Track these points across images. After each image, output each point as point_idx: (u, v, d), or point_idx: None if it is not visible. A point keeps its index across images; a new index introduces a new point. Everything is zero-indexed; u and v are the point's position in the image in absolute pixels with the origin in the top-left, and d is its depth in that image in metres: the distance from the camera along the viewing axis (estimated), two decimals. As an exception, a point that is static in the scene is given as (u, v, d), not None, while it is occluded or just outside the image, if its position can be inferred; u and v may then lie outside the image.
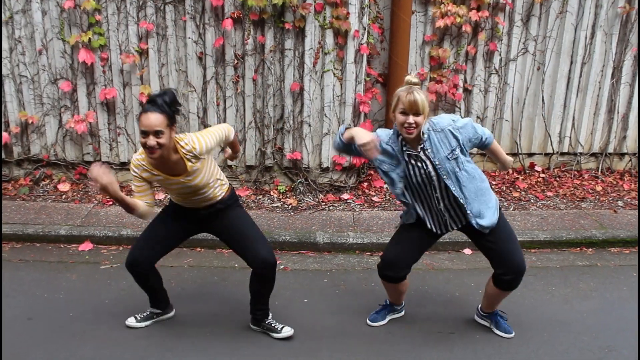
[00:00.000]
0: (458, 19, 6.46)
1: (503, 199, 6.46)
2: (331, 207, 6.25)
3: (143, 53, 6.39)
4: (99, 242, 5.61)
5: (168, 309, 4.27)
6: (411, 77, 3.45)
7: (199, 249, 5.50)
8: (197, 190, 3.72)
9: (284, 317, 4.26)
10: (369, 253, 5.42)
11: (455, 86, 6.77)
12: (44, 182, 6.78)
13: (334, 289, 4.76)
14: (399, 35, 6.38)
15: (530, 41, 6.80)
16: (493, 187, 6.74)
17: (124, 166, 6.76)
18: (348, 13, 6.08)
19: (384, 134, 3.65)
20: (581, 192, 6.72)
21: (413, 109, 3.34)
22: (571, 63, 6.89)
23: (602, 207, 6.33)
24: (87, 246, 5.54)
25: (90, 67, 6.41)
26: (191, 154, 3.54)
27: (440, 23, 6.48)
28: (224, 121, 6.53)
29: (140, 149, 3.57)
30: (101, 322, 4.20)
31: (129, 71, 6.43)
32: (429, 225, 3.79)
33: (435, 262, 5.22)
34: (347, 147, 3.62)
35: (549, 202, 6.46)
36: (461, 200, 3.59)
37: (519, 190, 6.72)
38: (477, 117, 6.94)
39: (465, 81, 6.86)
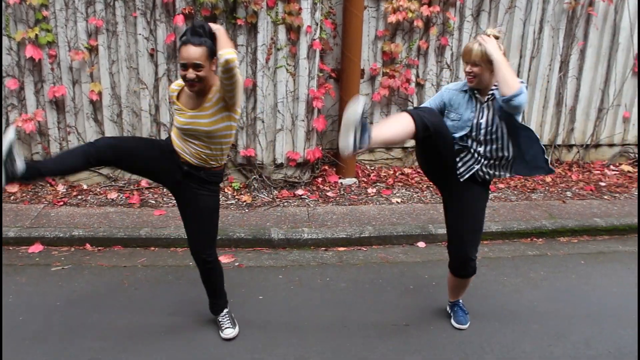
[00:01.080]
0: (410, 14, 6.52)
1: (456, 192, 6.55)
2: (286, 203, 6.25)
3: (93, 50, 6.28)
4: (49, 243, 5.50)
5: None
6: (490, 30, 3.47)
7: (152, 248, 5.45)
8: (199, 137, 3.53)
9: (240, 313, 4.26)
10: (323, 248, 5.44)
11: (408, 81, 6.84)
12: (-9, 183, 6.62)
13: (289, 284, 4.77)
14: (352, 31, 6.41)
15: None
16: (446, 180, 6.83)
17: (75, 165, 6.65)
18: (300, 9, 6.08)
19: (457, 84, 3.71)
20: (531, 184, 6.86)
21: (469, 58, 3.42)
22: (520, 57, 7.02)
23: (552, 198, 6.48)
24: (37, 248, 5.42)
25: (38, 64, 6.27)
26: (219, 94, 3.43)
27: (392, 18, 6.53)
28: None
29: (179, 81, 3.60)
30: (53, 326, 4.13)
31: (79, 68, 6.32)
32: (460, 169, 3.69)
33: (389, 256, 5.27)
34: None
35: (500, 193, 6.57)
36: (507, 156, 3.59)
37: (471, 183, 6.82)
38: (430, 112, 7.02)
39: (417, 76, 6.93)
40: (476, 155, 3.61)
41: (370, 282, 4.74)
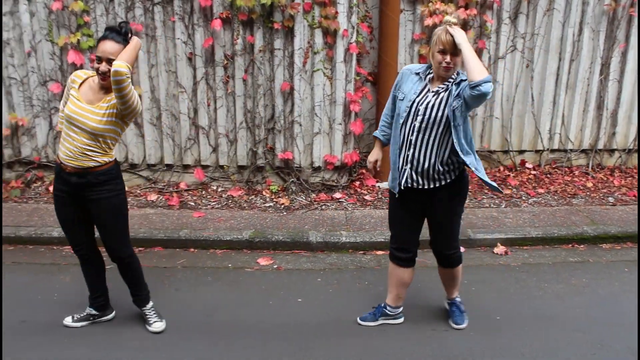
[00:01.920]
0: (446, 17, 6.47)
1: (494, 196, 6.48)
2: (323, 207, 6.26)
3: (132, 54, 6.36)
4: (91, 244, 5.58)
5: (108, 311, 4.28)
6: (449, 17, 3.47)
7: (191, 249, 5.50)
8: (89, 132, 3.59)
9: (279, 316, 4.28)
10: (361, 252, 5.42)
11: (445, 84, 6.79)
12: (35, 184, 6.74)
13: (327, 287, 4.76)
14: (388, 34, 6.39)
15: (518, 39, 6.83)
16: (484, 185, 6.75)
17: (114, 168, 6.74)
18: (337, 12, 6.08)
19: (413, 66, 3.78)
20: (572, 189, 6.75)
21: (451, 48, 3.40)
22: (559, 60, 6.92)
23: (593, 203, 6.37)
24: (79, 248, 5.52)
25: (79, 68, 6.38)
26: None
27: (428, 21, 6.49)
28: (215, 122, 6.53)
29: (88, 71, 3.79)
30: (95, 324, 4.19)
31: (119, 72, 6.40)
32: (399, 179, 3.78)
33: (427, 260, 5.22)
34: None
35: (540, 199, 6.49)
36: (457, 147, 3.56)
37: (510, 187, 6.74)
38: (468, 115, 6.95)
39: (454, 79, 6.88)
40: (408, 154, 3.68)
41: (409, 287, 4.70)
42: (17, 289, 4.70)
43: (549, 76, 6.94)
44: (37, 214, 6.02)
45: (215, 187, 6.71)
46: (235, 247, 5.50)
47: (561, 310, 4.36)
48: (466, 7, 6.55)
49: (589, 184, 6.86)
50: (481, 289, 4.68)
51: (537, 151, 7.26)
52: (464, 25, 6.63)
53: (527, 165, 7.21)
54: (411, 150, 3.65)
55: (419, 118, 3.56)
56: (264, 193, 6.55)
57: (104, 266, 4.21)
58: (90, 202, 3.79)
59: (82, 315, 4.17)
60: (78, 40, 6.23)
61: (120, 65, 3.34)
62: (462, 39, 3.36)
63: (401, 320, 4.19)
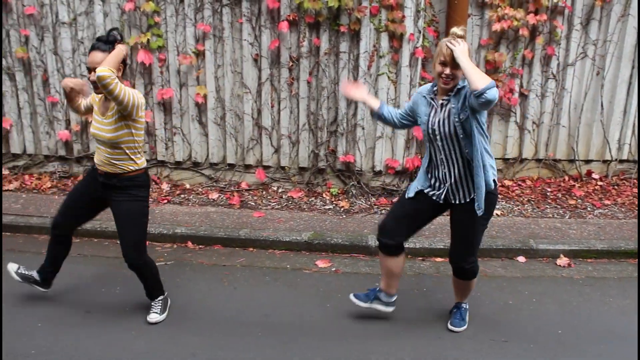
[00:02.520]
0: (515, 23, 6.38)
1: (558, 207, 6.35)
2: (383, 211, 6.24)
3: (200, 54, 6.50)
4: (153, 239, 5.71)
5: (46, 284, 4.41)
6: (457, 30, 3.46)
7: (251, 248, 5.57)
8: (108, 143, 3.85)
9: (337, 319, 4.30)
10: (420, 258, 5.39)
11: (511, 91, 6.69)
12: (101, 180, 6.94)
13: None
14: (455, 39, 6.32)
15: (589, 45, 6.66)
16: (548, 194, 6.63)
17: (179, 165, 6.90)
18: (404, 16, 6.07)
19: (424, 87, 3.83)
20: (640, 201, 6.56)
21: (452, 60, 3.39)
22: (632, 68, 6.72)
23: (663, 217, 6.17)
24: (142, 243, 5.66)
25: (148, 67, 6.56)
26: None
27: (496, 27, 6.41)
28: (278, 123, 6.59)
29: None
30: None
31: (186, 72, 6.55)
32: (431, 192, 3.86)
33: (488, 269, 5.16)
34: (383, 120, 4.10)
35: (606, 210, 6.32)
36: (472, 161, 3.59)
37: (575, 197, 6.59)
38: (533, 122, 6.83)
39: (521, 86, 6.77)
40: (441, 168, 3.75)
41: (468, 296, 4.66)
42: (82, 280, 4.86)
43: (620, 84, 6.74)
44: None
45: (275, 188, 6.77)
46: (294, 248, 5.55)
47: (627, 327, 4.23)
48: (536, 12, 6.43)
49: (659, 197, 6.65)
50: (543, 301, 4.59)
51: (604, 161, 7.06)
52: (533, 31, 6.52)
53: (593, 175, 7.02)
54: (444, 168, 3.73)
55: (438, 137, 3.65)
56: (324, 195, 6.58)
57: (69, 252, 4.42)
58: (112, 203, 4.05)
59: (27, 273, 4.32)
60: (148, 40, 6.40)
61: (101, 70, 3.50)
62: (461, 52, 3.34)
63: (391, 309, 4.22)
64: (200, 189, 6.77)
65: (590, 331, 4.16)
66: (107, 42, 3.70)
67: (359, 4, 6.08)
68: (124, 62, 3.82)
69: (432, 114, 3.67)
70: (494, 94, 3.23)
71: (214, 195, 6.58)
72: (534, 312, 4.43)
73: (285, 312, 4.41)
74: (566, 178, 7.02)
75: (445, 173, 3.73)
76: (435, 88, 3.69)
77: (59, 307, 4.42)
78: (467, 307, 4.27)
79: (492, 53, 6.56)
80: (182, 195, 6.63)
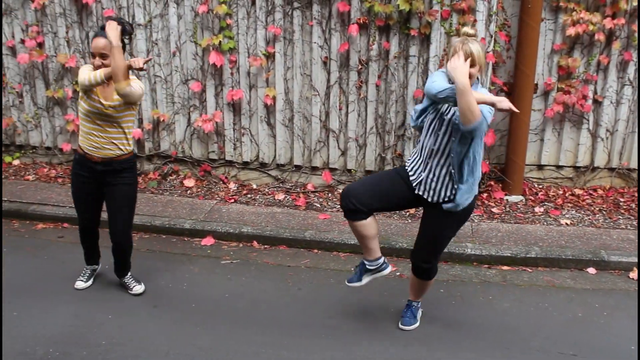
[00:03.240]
0: (591, 27, 6.21)
1: (631, 217, 6.15)
2: (449, 216, 6.19)
3: (270, 56, 6.58)
4: (220, 237, 5.83)
5: (99, 262, 4.88)
6: (467, 29, 3.48)
7: (316, 250, 5.61)
8: (109, 123, 4.14)
9: (398, 323, 4.29)
10: (486, 265, 5.32)
11: (585, 97, 6.52)
12: (171, 177, 7.11)
13: (450, 299, 4.72)
14: (527, 44, 6.21)
15: (669, 51, 6.44)
16: (621, 204, 6.44)
17: (246, 165, 7.00)
18: (475, 20, 6.00)
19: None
20: None
21: (469, 60, 3.36)
22: None
23: None
24: (209, 241, 5.77)
25: (219, 69, 6.68)
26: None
27: (571, 31, 6.25)
28: (346, 126, 6.62)
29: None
30: (220, 315, 4.40)
31: (256, 74, 6.64)
32: (412, 176, 3.83)
33: (556, 280, 5.06)
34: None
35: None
36: (453, 172, 3.65)
37: (649, 208, 6.39)
38: (607, 130, 6.64)
39: (595, 92, 6.58)
40: (429, 159, 3.72)
41: (535, 305, 4.57)
42: (150, 275, 5.00)
43: (701, 92, 6.50)
44: (171, 206, 6.35)
45: (341, 190, 6.79)
46: (359, 252, 5.51)
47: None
48: (613, 16, 6.25)
49: None
50: (614, 315, 4.47)
51: (682, 171, 6.82)
52: (610, 36, 6.34)
53: (670, 186, 6.80)
54: (432, 159, 3.71)
55: (441, 131, 3.65)
56: (389, 199, 6.56)
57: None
58: (108, 188, 4.34)
59: (87, 275, 4.78)
60: (220, 41, 6.51)
61: (119, 88, 3.83)
62: (460, 75, 3.29)
63: (388, 270, 4.10)
64: (266, 190, 6.86)
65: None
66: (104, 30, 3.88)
67: (430, 7, 6.05)
68: (122, 38, 3.93)
69: (445, 108, 3.65)
70: (481, 128, 3.44)
71: (280, 196, 6.65)
72: (605, 326, 4.32)
73: (349, 315, 4.43)
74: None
75: (432, 165, 3.70)
76: None
77: (129, 301, 4.57)
78: (419, 305, 4.31)
79: (565, 58, 6.41)
80: (249, 195, 6.73)
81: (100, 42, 3.93)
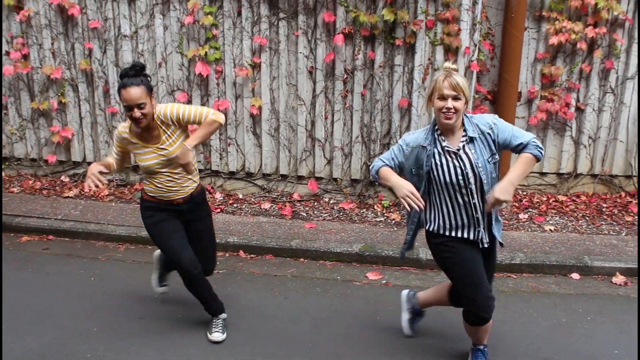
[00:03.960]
0: (573, 36, 6.31)
1: (614, 223, 6.22)
2: (434, 224, 6.22)
3: (256, 67, 6.62)
4: (207, 247, 5.83)
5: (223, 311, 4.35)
6: (449, 64, 3.31)
7: (302, 259, 5.63)
8: (173, 170, 3.88)
9: (386, 330, 4.31)
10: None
11: (567, 105, 6.60)
12: (157, 188, 7.10)
13: (436, 307, 4.73)
14: (510, 52, 6.29)
15: (650, 59, 6.54)
16: (604, 209, 6.51)
17: (232, 175, 7.02)
18: (459, 29, 6.06)
19: (412, 136, 3.50)
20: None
21: (452, 92, 3.20)
22: (695, 83, 6.57)
23: None
24: (196, 251, 5.77)
25: (205, 79, 6.71)
26: (160, 119, 3.73)
27: (554, 40, 6.35)
28: (332, 135, 6.65)
29: (127, 121, 3.87)
30: (207, 327, 4.37)
31: (242, 84, 6.67)
32: (460, 234, 3.49)
33: (541, 285, 5.10)
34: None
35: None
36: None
37: (631, 214, 6.45)
38: (589, 137, 6.73)
39: (578, 100, 6.67)
40: (477, 217, 3.44)
41: (520, 312, 4.61)
42: (138, 286, 4.98)
43: (681, 99, 6.59)
44: (159, 216, 6.34)
45: (327, 199, 6.83)
46: (345, 260, 5.59)
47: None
48: (595, 25, 6.35)
49: None
50: (598, 320, 4.51)
51: (664, 178, 6.91)
52: (592, 45, 6.43)
53: (652, 192, 6.88)
54: (476, 212, 3.42)
55: (472, 180, 3.34)
56: (375, 207, 6.61)
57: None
58: (192, 223, 4.14)
59: (220, 326, 4.25)
60: (206, 52, 6.54)
61: (210, 113, 3.79)
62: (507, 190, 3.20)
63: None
64: (252, 199, 6.87)
65: (647, 352, 4.09)
66: (136, 75, 3.61)
67: (414, 17, 6.11)
68: (151, 89, 3.72)
69: (448, 159, 3.35)
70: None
71: (266, 206, 6.67)
72: (589, 331, 4.36)
73: (335, 324, 4.44)
74: (623, 194, 6.88)
75: (478, 218, 3.41)
76: (436, 131, 3.41)
77: (115, 313, 4.55)
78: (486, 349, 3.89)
79: (548, 67, 6.50)
80: (235, 205, 6.75)
81: (133, 92, 3.57)
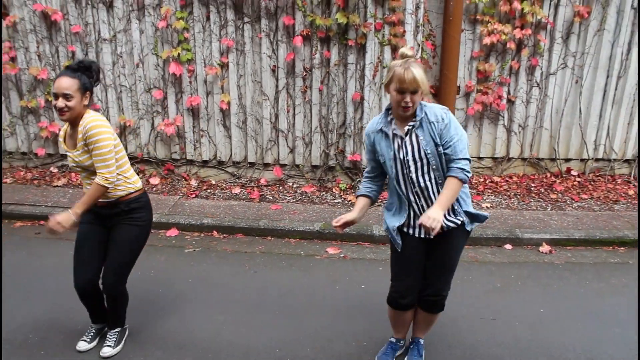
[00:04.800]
0: (503, 37, 6.36)
1: (541, 200, 6.33)
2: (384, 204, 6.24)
3: (224, 66, 6.53)
4: (183, 229, 5.76)
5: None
6: (405, 50, 2.88)
7: (269, 237, 5.60)
8: (87, 170, 3.36)
9: (344, 299, 4.32)
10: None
11: (500, 97, 6.67)
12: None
13: (387, 277, 4.75)
14: (449, 51, 6.32)
15: (569, 57, 6.63)
16: (532, 189, 6.62)
17: (205, 164, 6.94)
18: (404, 31, 6.06)
19: (369, 126, 3.15)
20: (614, 196, 6.52)
21: (411, 86, 2.79)
22: (607, 77, 6.68)
23: (635, 210, 6.13)
24: (173, 232, 5.70)
25: (179, 78, 6.59)
26: (83, 127, 3.24)
27: (487, 40, 6.39)
28: (294, 126, 6.61)
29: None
30: (185, 298, 4.34)
31: (212, 82, 6.58)
32: (411, 230, 3.18)
33: (478, 256, 5.17)
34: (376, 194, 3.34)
35: (584, 204, 6.30)
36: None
37: (556, 192, 6.57)
38: (519, 125, 6.82)
39: (509, 93, 6.74)
40: (418, 202, 3.08)
41: (461, 279, 4.65)
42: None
43: (597, 92, 6.71)
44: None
45: (291, 184, 6.80)
46: (307, 237, 5.57)
47: (601, 307, 4.23)
48: (522, 27, 6.41)
49: (631, 192, 6.61)
50: (526, 284, 4.59)
51: (582, 160, 7.04)
52: (519, 44, 6.50)
53: (572, 172, 7.00)
54: (420, 200, 3.07)
55: (412, 167, 2.99)
56: (334, 190, 6.60)
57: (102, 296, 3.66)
58: (113, 229, 3.49)
59: (92, 334, 3.71)
60: (178, 54, 6.43)
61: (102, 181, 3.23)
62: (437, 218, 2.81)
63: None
64: (224, 185, 6.81)
65: (569, 310, 4.16)
66: (75, 70, 3.26)
67: (365, 20, 6.08)
68: (91, 90, 3.33)
69: (397, 147, 3.01)
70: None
71: (237, 190, 6.61)
72: (520, 293, 4.44)
73: (299, 293, 4.44)
74: (548, 175, 7.00)
75: (423, 205, 3.06)
76: (389, 118, 3.04)
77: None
78: (423, 342, 3.65)
79: (482, 64, 6.55)
80: (209, 190, 6.67)
81: (63, 82, 3.19)
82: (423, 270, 3.26)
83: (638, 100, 6.76)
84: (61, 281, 4.58)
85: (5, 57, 6.74)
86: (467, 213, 3.14)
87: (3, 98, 6.99)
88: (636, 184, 6.83)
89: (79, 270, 3.47)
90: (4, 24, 6.62)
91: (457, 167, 2.91)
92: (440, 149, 2.94)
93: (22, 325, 3.93)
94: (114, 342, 3.65)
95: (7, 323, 3.94)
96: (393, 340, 3.62)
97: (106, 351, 3.60)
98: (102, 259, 3.52)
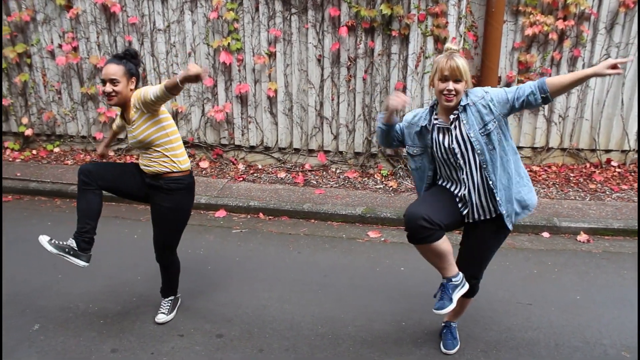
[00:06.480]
0: (545, 28, 6.22)
1: (579, 190, 6.21)
2: (425, 190, 6.23)
3: (271, 55, 6.58)
4: (231, 210, 5.88)
5: (85, 256, 3.46)
6: (450, 44, 2.91)
7: (313, 220, 5.66)
8: (142, 147, 3.42)
9: (384, 281, 4.35)
10: (457, 232, 5.35)
11: (541, 88, 6.54)
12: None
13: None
14: (491, 42, 6.21)
15: (612, 48, 6.44)
16: (571, 179, 6.49)
17: (252, 149, 7.02)
18: (447, 22, 6.00)
19: (410, 114, 3.16)
20: (655, 186, 6.35)
21: (454, 75, 2.82)
22: (651, 68, 6.48)
23: (675, 201, 5.97)
24: (221, 213, 5.82)
25: (228, 66, 6.68)
26: (133, 104, 3.34)
27: (529, 31, 6.27)
28: (338, 114, 6.63)
29: None
30: (232, 276, 4.44)
31: (260, 70, 6.64)
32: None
33: (516, 243, 5.12)
34: (388, 133, 3.18)
35: (623, 194, 6.14)
36: (491, 183, 2.94)
37: (595, 182, 6.43)
38: (560, 116, 6.68)
39: (550, 83, 6.60)
40: (461, 189, 3.02)
41: (499, 264, 4.62)
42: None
43: None
44: (191, 184, 6.37)
45: (334, 169, 6.83)
46: (349, 221, 5.61)
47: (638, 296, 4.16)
48: (564, 18, 6.26)
49: (673, 183, 6.42)
50: (564, 271, 4.54)
51: (622, 151, 6.84)
52: (562, 35, 6.35)
53: (612, 163, 6.83)
54: (464, 188, 3.01)
55: (458, 154, 2.94)
56: (375, 176, 6.61)
57: (101, 208, 3.56)
58: (154, 206, 3.56)
59: (61, 243, 3.41)
60: (228, 43, 6.51)
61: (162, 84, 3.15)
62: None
63: (466, 287, 3.13)
64: (270, 169, 6.89)
65: (605, 298, 4.10)
66: (121, 58, 3.35)
67: (408, 11, 6.04)
68: (137, 75, 3.40)
69: (441, 136, 2.98)
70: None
71: (282, 175, 6.68)
72: (556, 280, 4.39)
73: (341, 274, 4.49)
74: (588, 165, 6.84)
75: (464, 194, 3.01)
76: (435, 112, 3.03)
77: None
78: (456, 325, 3.63)
79: (524, 55, 6.43)
80: (255, 174, 6.77)
81: (110, 68, 3.28)
82: (451, 227, 3.08)
83: (638, 94, 6.53)
84: (117, 257, 4.75)
85: (67, 47, 6.95)
86: (518, 201, 3.05)
87: (66, 85, 7.21)
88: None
89: (98, 165, 3.48)
90: (67, 15, 6.81)
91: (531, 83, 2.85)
92: (484, 130, 2.86)
93: (84, 294, 4.10)
94: (167, 309, 3.84)
95: (70, 292, 4.11)
96: (444, 282, 3.09)
97: (160, 317, 3.80)
98: (113, 183, 3.51)
